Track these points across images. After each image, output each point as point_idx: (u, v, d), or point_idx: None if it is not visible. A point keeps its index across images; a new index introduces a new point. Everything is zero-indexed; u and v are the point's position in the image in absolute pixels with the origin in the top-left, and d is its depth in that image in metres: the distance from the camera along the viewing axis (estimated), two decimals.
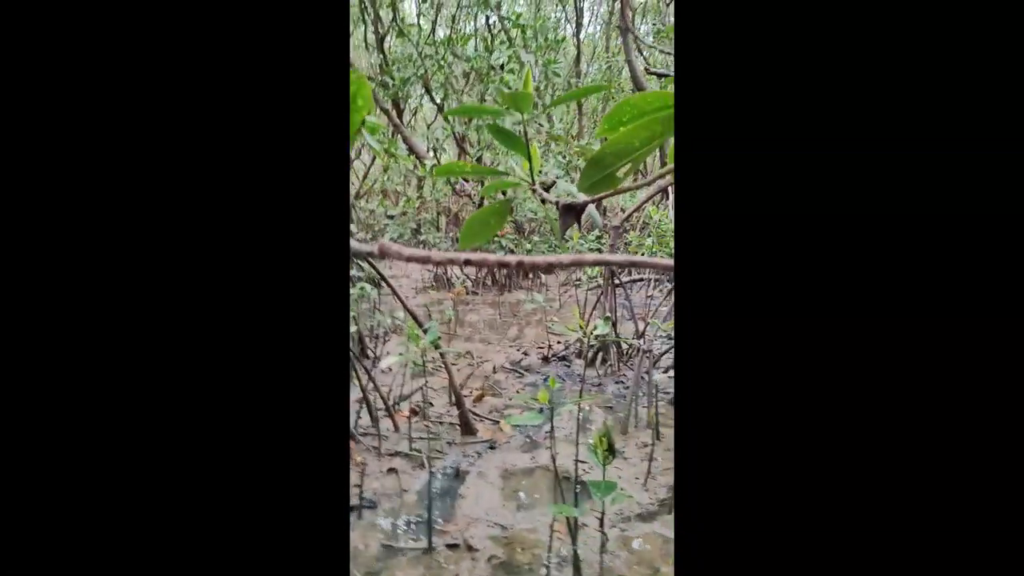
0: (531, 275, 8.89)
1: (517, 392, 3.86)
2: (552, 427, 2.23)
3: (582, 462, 2.70)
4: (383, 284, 3.19)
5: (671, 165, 0.84)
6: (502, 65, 6.65)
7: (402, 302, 3.00)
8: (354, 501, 2.38)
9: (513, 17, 7.20)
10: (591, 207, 0.90)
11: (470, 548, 2.14)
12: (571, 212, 0.87)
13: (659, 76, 7.12)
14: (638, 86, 6.13)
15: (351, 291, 3.21)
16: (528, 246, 8.02)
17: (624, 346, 4.36)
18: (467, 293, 7.50)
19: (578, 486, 2.39)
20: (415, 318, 3.01)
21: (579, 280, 8.18)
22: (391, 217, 7.86)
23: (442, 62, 7.09)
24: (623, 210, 7.68)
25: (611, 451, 1.72)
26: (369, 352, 4.20)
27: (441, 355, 3.10)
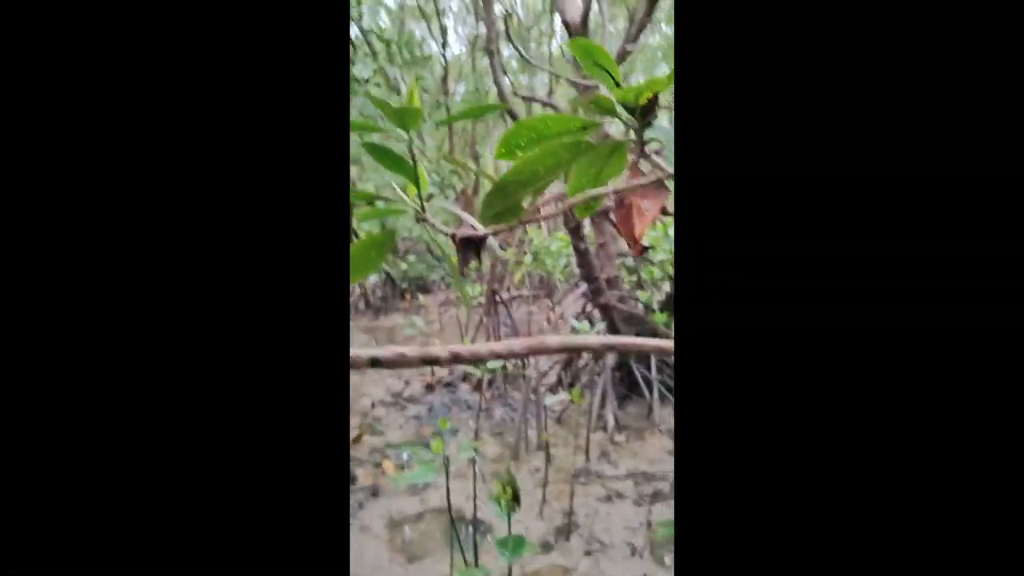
0: (407, 296, 8.57)
1: (400, 427, 3.59)
2: (447, 472, 2.06)
3: (476, 497, 2.55)
4: None
5: (570, 198, 0.77)
6: (367, 79, 6.36)
7: None
8: None
9: (377, 31, 6.96)
10: (491, 239, 0.78)
11: None
12: (470, 246, 0.74)
13: (526, 100, 7.38)
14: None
15: None
16: (404, 266, 7.73)
17: (509, 367, 4.32)
18: None
19: (474, 529, 2.24)
20: None
21: (458, 299, 8.07)
22: None
23: None
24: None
25: (516, 499, 1.60)
26: None
27: None
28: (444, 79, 9.75)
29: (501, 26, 5.63)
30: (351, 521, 2.42)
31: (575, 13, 3.33)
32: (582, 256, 3.38)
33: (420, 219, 0.82)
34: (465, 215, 0.80)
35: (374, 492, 2.68)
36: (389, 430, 3.52)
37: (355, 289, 8.27)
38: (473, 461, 2.26)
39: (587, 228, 3.85)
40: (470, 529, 2.29)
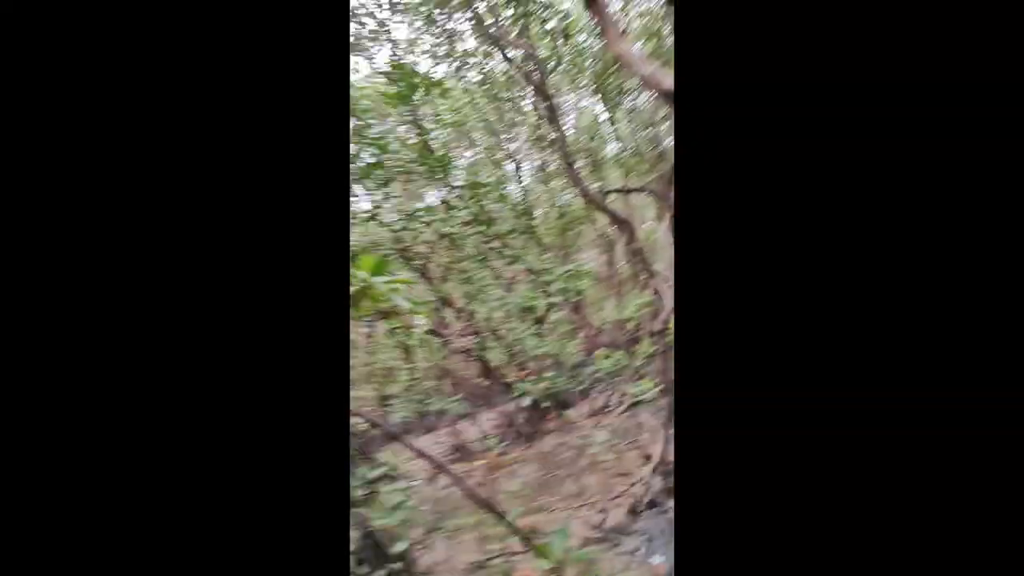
0: (549, 416, 8.13)
1: (621, 573, 2.97)
2: None
3: None
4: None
5: None
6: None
7: (475, 498, 2.30)
8: None
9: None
10: None
11: None
12: None
13: (620, 190, 7.37)
14: None
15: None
16: (543, 384, 7.41)
17: None
18: (499, 458, 6.61)
19: None
20: (492, 509, 2.29)
21: (607, 408, 7.46)
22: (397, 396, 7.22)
23: None
24: None
25: None
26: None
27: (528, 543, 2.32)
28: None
29: None
30: None
31: None
32: None
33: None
34: None
35: None
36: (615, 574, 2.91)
37: (498, 418, 8.01)
38: None
39: None
40: None
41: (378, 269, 1.84)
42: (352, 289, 1.82)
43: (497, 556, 2.93)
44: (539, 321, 8.48)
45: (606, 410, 7.29)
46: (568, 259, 8.87)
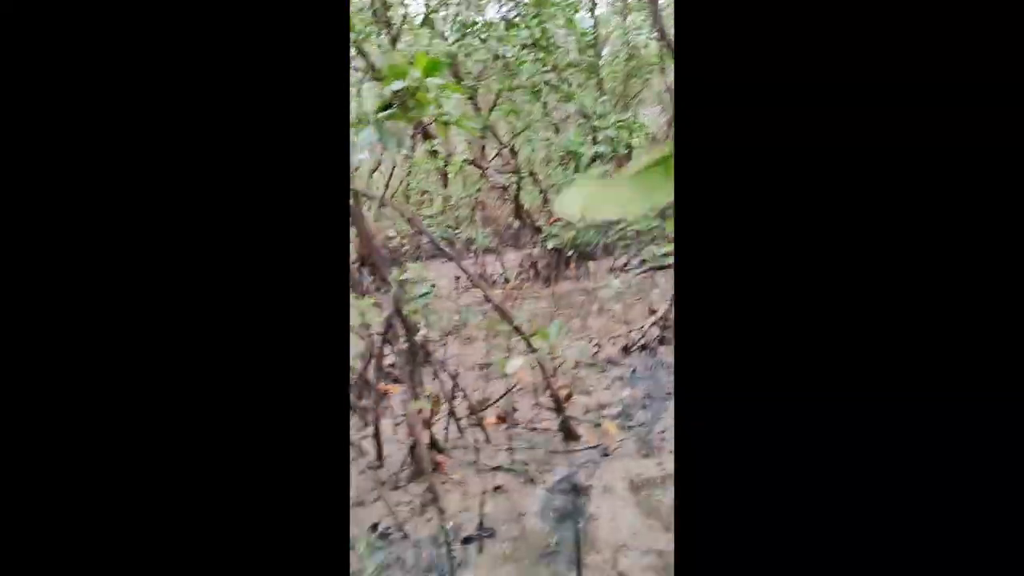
0: (571, 265, 8.48)
1: (606, 388, 3.46)
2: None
3: None
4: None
5: None
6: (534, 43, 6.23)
7: (494, 304, 2.62)
8: (469, 529, 2.01)
9: None
10: None
11: None
12: None
13: None
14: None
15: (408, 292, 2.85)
16: (572, 233, 7.61)
17: None
18: (519, 288, 7.12)
19: None
20: (504, 314, 2.63)
21: (626, 266, 7.73)
22: (430, 217, 7.52)
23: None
24: None
25: None
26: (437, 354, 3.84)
27: (532, 350, 2.72)
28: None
29: None
30: (590, 481, 2.34)
31: None
32: None
33: None
34: None
35: (604, 453, 2.57)
36: (596, 391, 3.41)
37: (523, 260, 8.42)
38: None
39: None
40: None
41: (432, 69, 1.82)
42: (399, 86, 1.80)
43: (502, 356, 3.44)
44: (580, 170, 8.35)
45: (626, 268, 7.57)
46: (626, 109, 8.36)
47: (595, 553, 1.86)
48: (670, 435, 2.66)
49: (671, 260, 6.61)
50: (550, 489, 2.30)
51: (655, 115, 11.28)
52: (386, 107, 1.81)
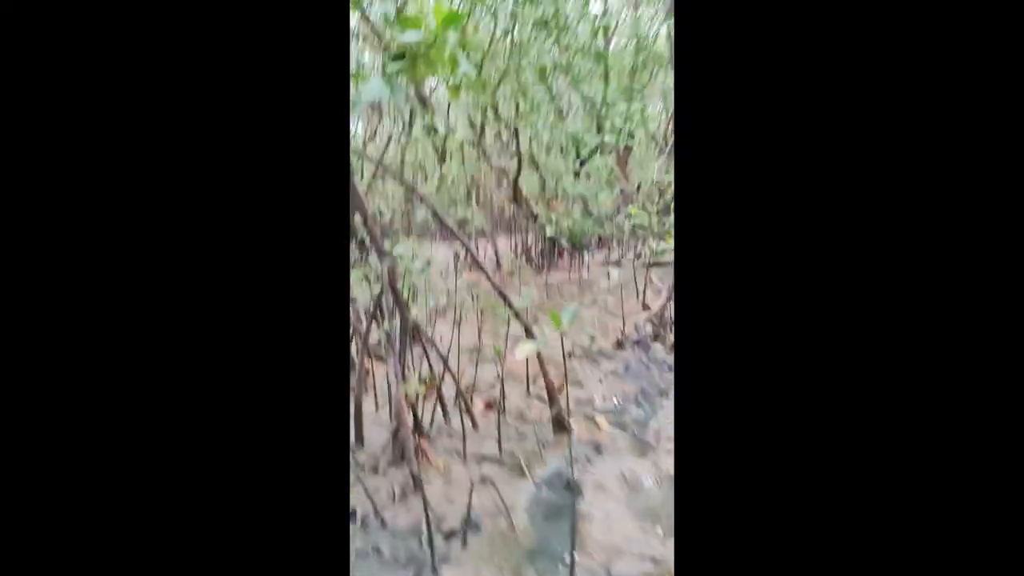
0: (564, 254, 8.35)
1: (599, 381, 3.35)
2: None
3: None
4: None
5: None
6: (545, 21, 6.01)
7: (493, 284, 2.48)
8: (452, 523, 1.88)
9: None
10: None
11: None
12: None
13: None
14: None
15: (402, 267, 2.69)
16: (568, 222, 7.47)
17: None
18: (514, 273, 6.97)
19: None
20: (505, 297, 2.49)
21: (621, 260, 7.63)
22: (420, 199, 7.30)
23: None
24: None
25: None
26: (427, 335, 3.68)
27: (528, 333, 2.59)
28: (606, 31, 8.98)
29: None
30: (582, 477, 2.23)
31: None
32: None
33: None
34: None
35: (597, 448, 2.46)
36: (588, 383, 3.29)
37: (518, 245, 8.27)
38: None
39: None
40: None
41: (451, 20, 1.64)
42: (414, 39, 1.64)
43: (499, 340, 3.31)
44: (580, 160, 8.19)
45: (620, 261, 7.47)
46: (632, 101, 8.18)
47: (587, 556, 1.74)
48: (664, 433, 2.56)
49: (668, 258, 6.52)
50: (541, 483, 2.18)
51: (658, 112, 11.13)
52: (399, 57, 1.63)
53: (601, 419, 2.75)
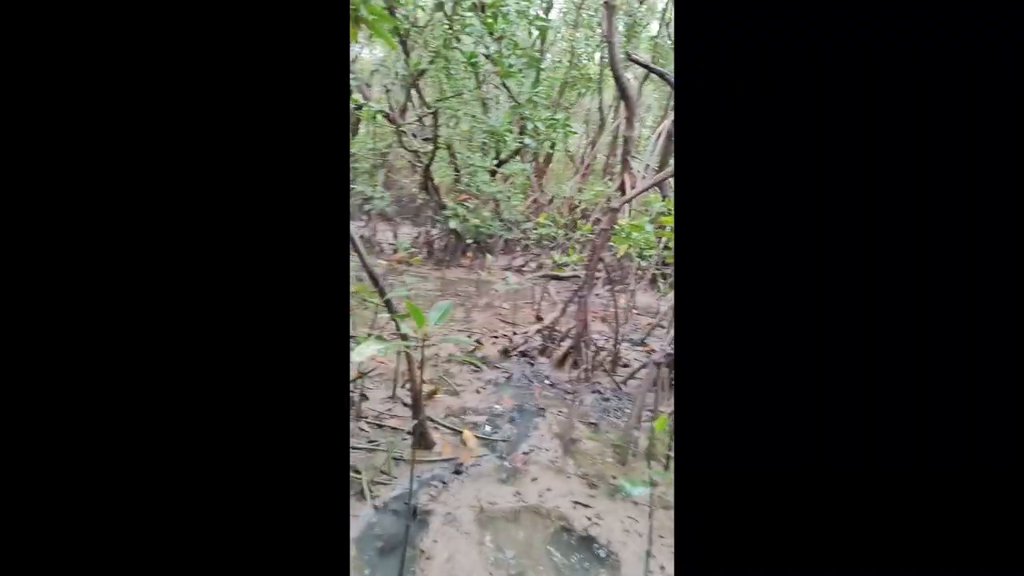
0: (468, 253, 8.08)
1: (477, 392, 3.08)
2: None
3: (583, 505, 2.01)
4: None
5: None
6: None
7: (366, 266, 2.09)
8: None
9: None
10: None
11: None
12: None
13: (638, 64, 6.63)
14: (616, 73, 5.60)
15: None
16: (476, 221, 7.19)
17: (593, 348, 3.72)
18: (407, 262, 6.50)
19: (580, 542, 1.68)
20: (377, 283, 2.12)
21: (523, 267, 7.51)
22: None
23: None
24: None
25: None
26: None
27: (401, 335, 2.24)
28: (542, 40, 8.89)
29: None
30: (432, 504, 1.92)
31: None
32: None
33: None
34: None
35: (457, 470, 2.16)
36: (465, 392, 3.01)
37: (420, 236, 7.83)
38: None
39: None
40: (580, 553, 1.75)
41: None
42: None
43: (371, 327, 2.92)
44: (499, 160, 7.98)
45: (523, 268, 7.33)
46: (557, 111, 8.14)
47: None
48: (533, 459, 2.34)
49: (569, 272, 6.49)
50: (383, 508, 1.83)
51: (579, 135, 11.33)
52: None
53: (469, 435, 2.47)
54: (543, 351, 3.84)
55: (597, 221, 6.91)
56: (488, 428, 2.62)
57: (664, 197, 5.53)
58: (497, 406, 2.88)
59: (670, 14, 9.40)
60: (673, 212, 4.39)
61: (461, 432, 2.49)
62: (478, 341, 3.93)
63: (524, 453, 2.39)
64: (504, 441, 2.50)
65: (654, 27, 9.50)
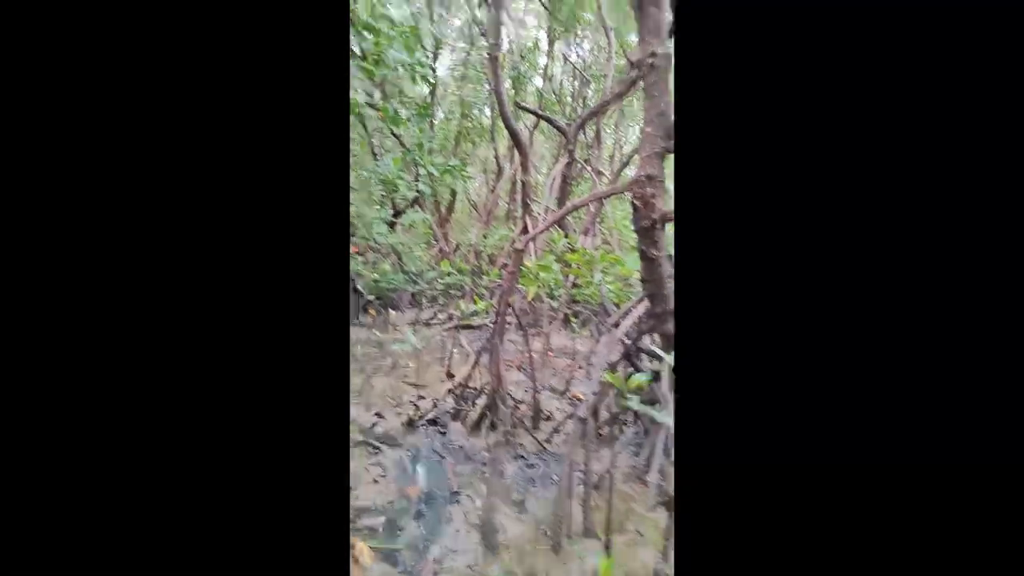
0: (371, 310, 7.46)
1: (374, 481, 2.52)
2: None
3: None
4: None
5: None
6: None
7: None
8: None
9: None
10: None
11: None
12: None
13: (527, 111, 6.70)
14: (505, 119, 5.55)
15: None
16: (375, 276, 6.64)
17: (511, 402, 3.32)
18: None
19: None
20: None
21: (431, 320, 7.02)
22: None
23: None
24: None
25: None
26: None
27: None
28: (432, 92, 8.84)
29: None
30: None
31: None
32: (651, 266, 2.52)
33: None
34: None
35: None
36: (359, 487, 2.44)
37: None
38: None
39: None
40: None
41: None
42: None
43: None
44: (396, 211, 7.59)
45: (431, 321, 6.84)
46: (452, 159, 7.97)
47: None
48: (449, 563, 1.85)
49: (480, 321, 6.11)
50: None
51: (477, 184, 11.32)
52: None
53: (363, 548, 1.92)
54: (456, 415, 3.37)
55: (504, 265, 6.68)
56: (387, 531, 2.08)
57: (567, 235, 5.42)
58: (397, 498, 2.35)
59: (552, 69, 9.85)
60: (628, 226, 4.17)
61: (354, 546, 1.94)
62: (378, 414, 3.37)
63: (434, 561, 1.88)
64: (408, 549, 1.98)
65: (538, 81, 9.86)
